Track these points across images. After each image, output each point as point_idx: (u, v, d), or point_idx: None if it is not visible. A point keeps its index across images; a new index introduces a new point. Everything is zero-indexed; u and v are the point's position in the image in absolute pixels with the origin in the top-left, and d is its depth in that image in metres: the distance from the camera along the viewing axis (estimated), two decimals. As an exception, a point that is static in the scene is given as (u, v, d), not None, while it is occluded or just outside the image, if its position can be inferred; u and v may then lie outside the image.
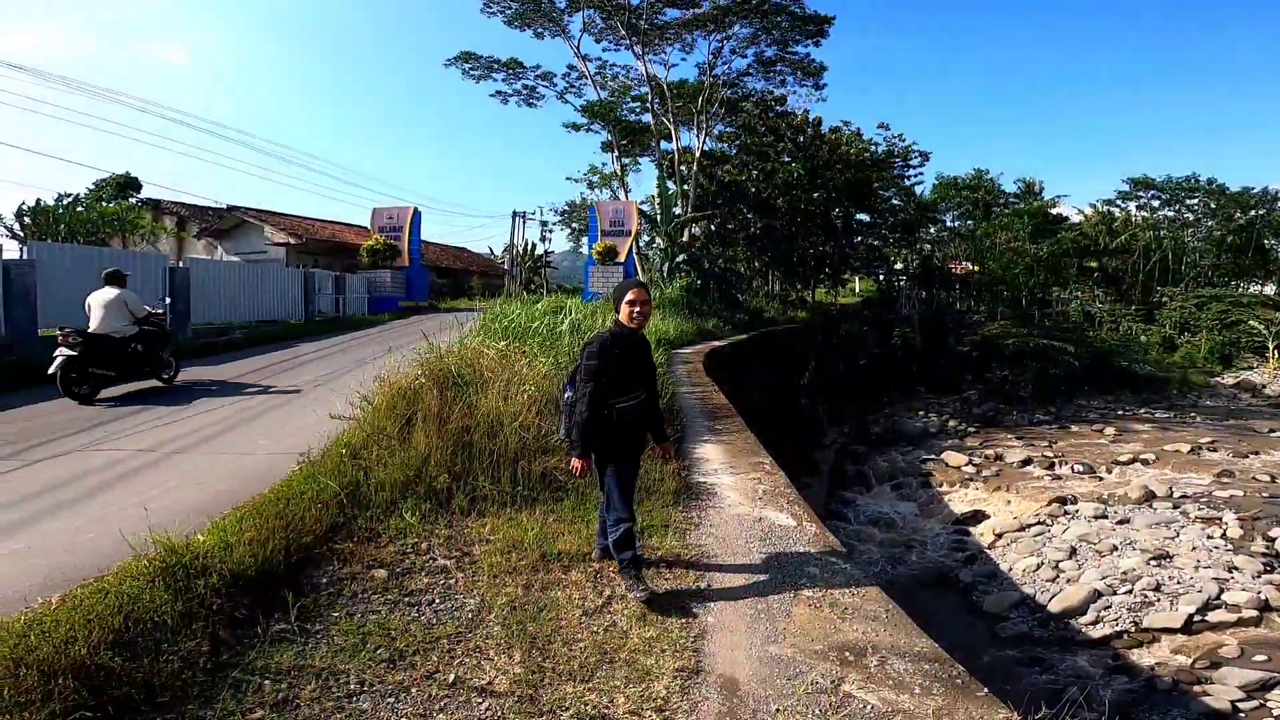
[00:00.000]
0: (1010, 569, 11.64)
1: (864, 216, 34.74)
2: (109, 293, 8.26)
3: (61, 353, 7.57)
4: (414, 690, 2.45)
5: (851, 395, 25.51)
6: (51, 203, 18.79)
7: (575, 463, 3.27)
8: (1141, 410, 25.07)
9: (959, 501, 15.52)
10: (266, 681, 2.44)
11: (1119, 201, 40.76)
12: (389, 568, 3.37)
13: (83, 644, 2.21)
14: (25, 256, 10.74)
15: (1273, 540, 11.45)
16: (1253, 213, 38.71)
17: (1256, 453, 17.99)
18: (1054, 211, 37.84)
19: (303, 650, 2.66)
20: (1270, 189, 39.00)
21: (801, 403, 21.59)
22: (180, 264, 14.92)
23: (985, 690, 2.34)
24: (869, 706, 2.26)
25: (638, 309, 3.39)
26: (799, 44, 26.00)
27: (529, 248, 38.45)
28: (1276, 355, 30.93)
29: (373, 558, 3.44)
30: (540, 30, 26.11)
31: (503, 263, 42.57)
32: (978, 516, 14.49)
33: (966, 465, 17.92)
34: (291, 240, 26.40)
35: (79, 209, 18.88)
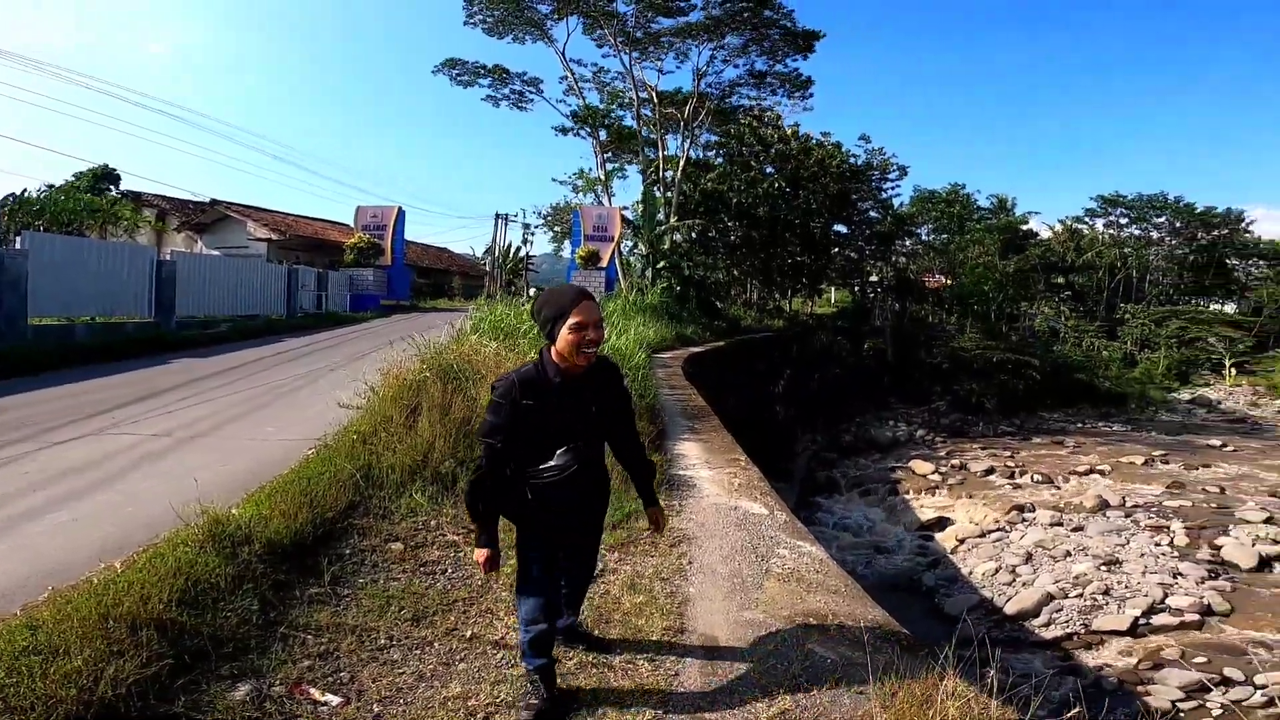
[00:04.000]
0: (970, 573, 12.03)
1: (842, 228, 35.53)
2: None
3: None
4: (436, 644, 2.79)
5: (824, 404, 26.12)
6: (34, 194, 18.68)
7: (477, 555, 2.37)
8: (1100, 424, 26.05)
9: (925, 508, 15.99)
10: (309, 637, 2.75)
11: (1087, 219, 42.17)
12: (404, 541, 3.70)
13: (157, 601, 2.51)
14: (20, 246, 10.81)
15: (1218, 548, 12.05)
16: (1215, 232, 40.30)
17: (1207, 465, 18.89)
18: (1024, 227, 39.03)
19: (336, 610, 2.98)
20: (1234, 210, 40.64)
21: (776, 409, 22.11)
22: (167, 256, 14.96)
23: (926, 650, 2.76)
24: (829, 660, 2.65)
25: (589, 336, 2.29)
26: (788, 57, 26.62)
27: (511, 250, 38.65)
28: (1232, 373, 32.27)
29: (389, 532, 3.76)
30: (521, 36, 26.34)
31: (484, 264, 42.68)
32: (942, 523, 14.93)
33: (933, 474, 18.54)
34: (274, 236, 26.33)
35: (64, 199, 18.78)
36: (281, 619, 2.85)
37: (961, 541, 13.63)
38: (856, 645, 2.73)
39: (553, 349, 2.35)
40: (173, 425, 6.31)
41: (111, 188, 27.34)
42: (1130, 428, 25.51)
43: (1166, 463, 19.28)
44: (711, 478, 5.28)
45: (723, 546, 3.87)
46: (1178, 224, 40.36)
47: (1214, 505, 14.95)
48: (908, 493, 17.26)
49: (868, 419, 26.07)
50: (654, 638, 2.83)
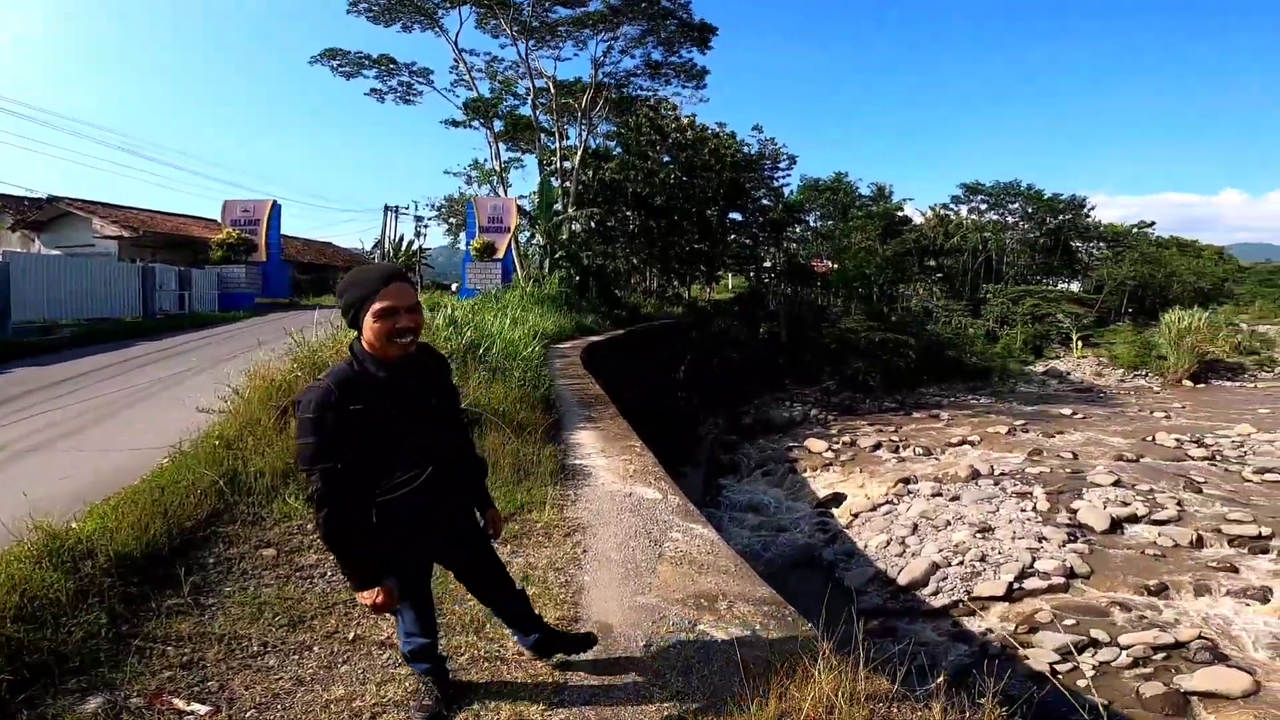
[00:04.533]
0: (865, 546, 12.37)
1: (737, 216, 36.53)
2: None
3: None
4: (316, 648, 2.65)
5: (724, 387, 26.77)
6: None
7: (362, 597, 2.03)
8: (969, 397, 27.95)
9: (821, 485, 16.44)
10: (169, 648, 2.60)
11: (953, 205, 45.57)
12: (277, 546, 3.46)
13: (-8, 616, 2.28)
14: None
15: (1074, 512, 12.67)
16: (1061, 217, 44.59)
17: (1061, 433, 20.40)
18: (900, 214, 41.63)
19: (200, 620, 2.80)
20: (1078, 196, 45.09)
21: (678, 395, 22.48)
22: (-6, 255, 13.20)
23: (811, 625, 2.86)
24: (720, 640, 2.70)
25: (400, 323, 1.97)
26: (685, 49, 26.92)
27: (403, 243, 37.03)
28: (1079, 345, 35.88)
29: (260, 538, 3.51)
30: (410, 24, 25.18)
31: (373, 258, 40.69)
32: (837, 499, 15.38)
33: (827, 451, 19.12)
34: (125, 233, 23.86)
35: None
36: (136, 632, 2.67)
37: (856, 516, 14.05)
38: (746, 624, 2.79)
39: (364, 341, 2.00)
40: (8, 439, 5.57)
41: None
42: (995, 399, 27.48)
43: (1027, 431, 20.61)
44: (607, 465, 5.26)
45: (617, 533, 3.85)
46: (1029, 209, 44.37)
47: (1069, 470, 15.83)
48: (805, 471, 17.72)
49: (766, 401, 26.84)
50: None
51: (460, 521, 2.28)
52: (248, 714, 2.25)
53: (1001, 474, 15.78)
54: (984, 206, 45.08)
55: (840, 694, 1.87)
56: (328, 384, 1.94)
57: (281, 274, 24.97)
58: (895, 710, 1.93)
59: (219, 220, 24.52)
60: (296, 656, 2.60)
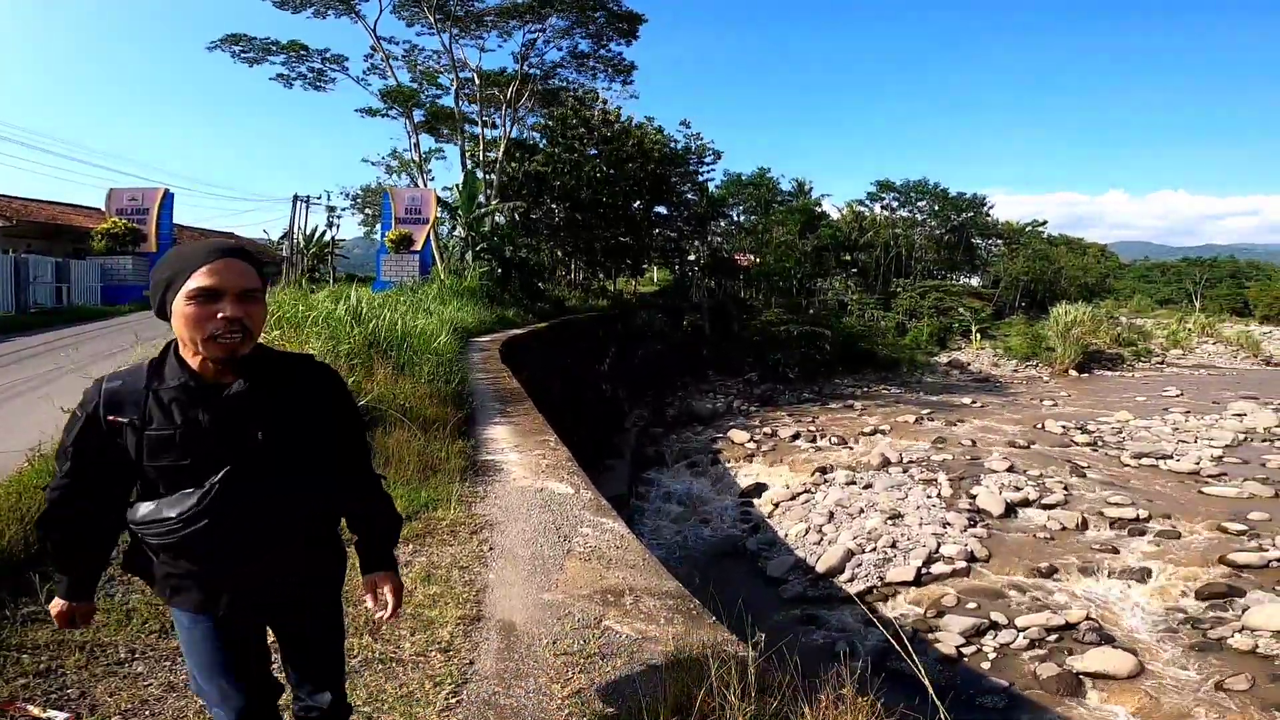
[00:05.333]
0: (786, 535, 12.64)
1: (662, 209, 36.74)
2: None
3: None
4: (192, 653, 2.46)
5: (649, 380, 26.91)
6: None
7: (52, 607, 1.74)
8: (881, 387, 29.05)
9: (744, 476, 16.71)
10: (25, 655, 2.50)
11: (868, 202, 47.45)
12: (148, 556, 3.19)
13: None
14: None
15: (974, 497, 13.29)
16: (964, 215, 47.18)
17: (962, 421, 21.49)
18: (819, 209, 42.97)
19: (60, 629, 2.57)
20: (978, 195, 47.80)
21: (602, 388, 22.44)
22: None
23: (714, 619, 2.90)
24: (623, 635, 2.69)
25: (224, 311, 1.48)
26: (612, 41, 26.67)
27: (315, 234, 35.22)
28: (978, 337, 38.10)
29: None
30: (323, 10, 23.90)
31: (279, 249, 38.53)
32: (759, 488, 15.62)
33: (749, 442, 19.44)
34: (-3, 220, 21.62)
35: None
36: None
37: (776, 505, 14.35)
38: (650, 619, 2.79)
39: (179, 341, 1.55)
40: None
41: None
42: (904, 389, 28.72)
43: (932, 420, 21.63)
44: (520, 460, 5.17)
45: (525, 529, 3.78)
46: (936, 207, 46.76)
47: (969, 458, 16.55)
48: (728, 461, 18.00)
49: (690, 392, 27.17)
50: (448, 629, 2.68)
51: (290, 591, 1.69)
52: (113, 719, 2.15)
53: (910, 461, 16.41)
54: (895, 204, 47.16)
55: (732, 687, 1.88)
56: (99, 384, 1.57)
57: (176, 265, 23.25)
58: (789, 707, 1.95)
59: (103, 209, 22.57)
60: (169, 663, 2.49)
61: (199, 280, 1.47)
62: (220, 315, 1.47)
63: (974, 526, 12.02)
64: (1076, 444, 18.35)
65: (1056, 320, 34.96)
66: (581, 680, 2.36)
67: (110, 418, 1.53)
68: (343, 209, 45.61)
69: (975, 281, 49.35)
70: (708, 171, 37.49)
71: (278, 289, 11.56)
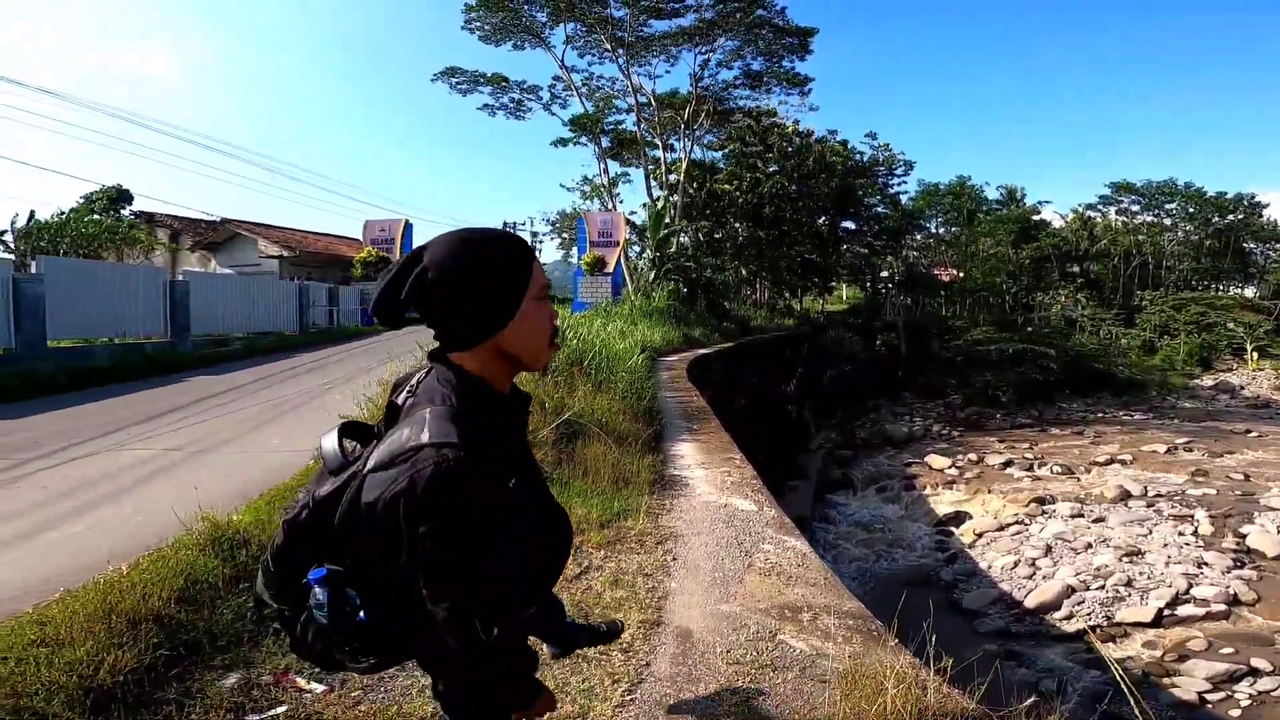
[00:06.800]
0: (989, 567, 11.96)
1: (850, 224, 35.44)
2: None
3: None
4: (418, 639, 2.91)
5: (837, 401, 26.02)
6: (47, 217, 19.23)
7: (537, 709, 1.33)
8: (1121, 412, 25.73)
9: (942, 503, 15.91)
10: None
11: (1100, 206, 41.73)
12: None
13: (157, 598, 2.67)
14: (35, 271, 11.13)
15: (1243, 537, 11.85)
16: (1231, 217, 39.70)
17: (1231, 452, 18.58)
18: (1036, 218, 38.67)
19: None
20: (1246, 194, 40.04)
21: (788, 409, 22.08)
22: (179, 277, 15.30)
23: (896, 641, 2.80)
24: (797, 650, 2.69)
25: (555, 316, 1.32)
26: (784, 58, 26.57)
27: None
28: (1255, 357, 31.68)
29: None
30: (520, 43, 26.54)
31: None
32: (959, 517, 14.84)
33: (950, 468, 18.40)
34: (285, 253, 26.78)
35: (80, 223, 19.30)
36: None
37: (980, 536, 13.57)
38: (827, 636, 2.78)
39: (500, 349, 1.22)
40: (185, 440, 6.49)
41: (125, 208, 27.96)
42: (1151, 415, 25.13)
43: (1190, 450, 19.01)
44: (705, 477, 5.33)
45: (708, 543, 3.92)
46: (1191, 209, 39.85)
47: (1239, 493, 14.74)
48: (924, 488, 17.17)
49: (882, 415, 25.96)
50: (629, 631, 2.90)
51: None
52: (354, 694, 2.48)
53: (1156, 495, 14.86)
54: (1135, 207, 40.99)
55: (909, 709, 1.85)
56: (465, 426, 1.11)
57: (415, 290, 26.88)
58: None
59: (360, 239, 26.85)
60: None
61: (539, 280, 1.25)
62: (555, 322, 1.31)
63: (1240, 568, 10.79)
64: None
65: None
66: (751, 689, 2.41)
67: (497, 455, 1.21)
68: (543, 234, 49.78)
69: (1249, 292, 41.04)
70: (899, 183, 35.56)
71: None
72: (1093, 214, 40.95)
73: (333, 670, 1.48)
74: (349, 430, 1.30)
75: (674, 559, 3.71)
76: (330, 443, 1.24)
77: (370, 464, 1.13)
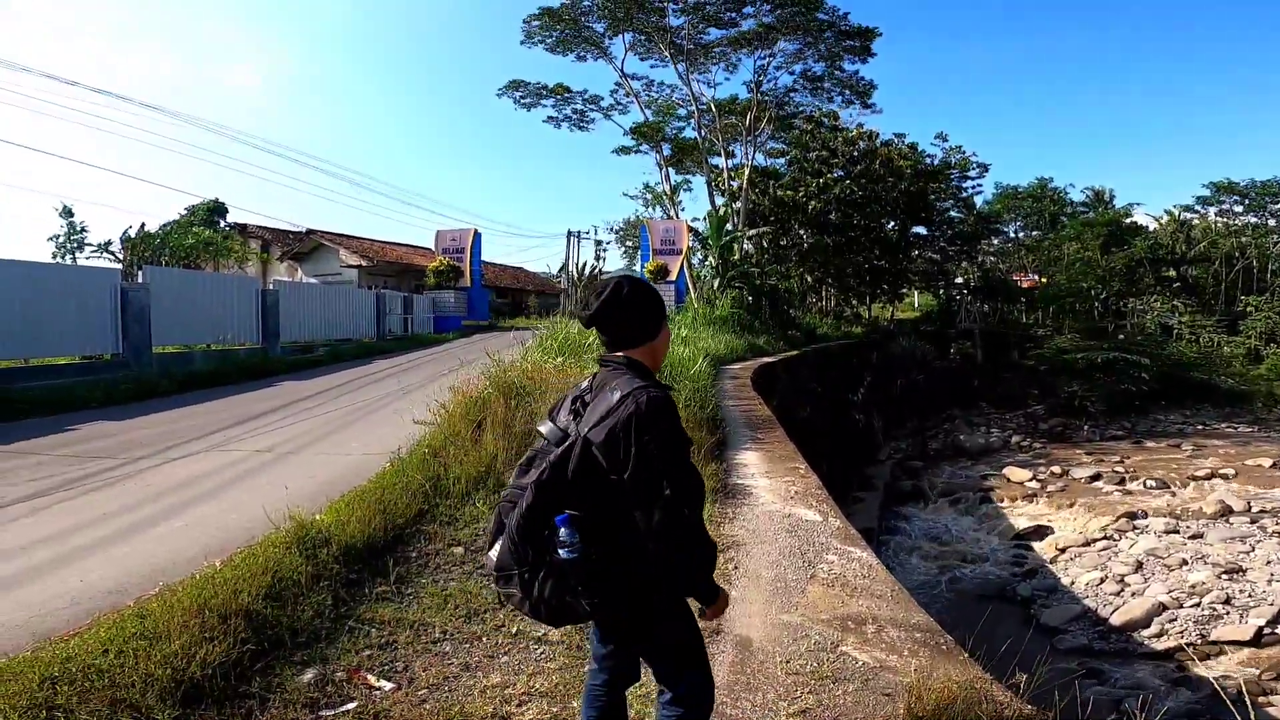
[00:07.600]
0: (1072, 583, 11.59)
1: (921, 230, 34.29)
2: None
3: None
4: (485, 639, 3.02)
5: (908, 410, 25.21)
6: (154, 229, 20.86)
7: (719, 607, 1.84)
8: (1223, 425, 23.99)
9: (1020, 516, 15.38)
10: (373, 630, 3.03)
11: (1198, 207, 38.91)
12: (465, 545, 3.96)
13: (246, 594, 2.87)
14: (141, 280, 12.09)
15: None
16: (1345, 217, 36.28)
17: None
18: (1128, 220, 36.39)
19: (399, 607, 3.27)
20: None
21: (855, 417, 21.53)
22: (269, 286, 16.28)
23: (965, 655, 2.72)
24: (859, 662, 2.65)
25: None
26: (846, 60, 26.08)
27: (584, 267, 39.56)
28: (1378, 367, 28.78)
29: (452, 537, 4.04)
30: (583, 54, 26.99)
31: (559, 281, 43.77)
32: (1040, 531, 14.35)
33: (1030, 481, 17.72)
34: (363, 262, 28.06)
35: (181, 234, 20.87)
36: (350, 613, 3.15)
37: (1062, 551, 13.08)
38: (892, 649, 2.73)
39: (654, 347, 1.79)
40: (274, 442, 6.93)
41: (221, 220, 29.92)
42: (1257, 428, 23.30)
43: None
44: (768, 486, 5.30)
45: (770, 552, 3.91)
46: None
47: None
48: (1001, 501, 16.58)
49: (956, 425, 25.02)
50: (690, 638, 2.93)
51: None
52: (421, 692, 2.60)
53: (1262, 511, 14.13)
54: (1239, 208, 38.00)
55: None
56: (660, 387, 1.67)
57: (483, 298, 27.77)
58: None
59: (432, 249, 27.80)
60: (467, 645, 2.96)
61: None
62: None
63: (1350, 587, 10.02)
64: None
65: None
66: (809, 700, 2.39)
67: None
68: (607, 242, 50.35)
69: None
70: (973, 186, 34.17)
71: (559, 318, 13.19)
72: (1190, 215, 38.25)
73: (558, 624, 1.81)
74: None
75: (735, 568, 3.72)
76: (547, 426, 1.76)
77: (587, 427, 1.62)
